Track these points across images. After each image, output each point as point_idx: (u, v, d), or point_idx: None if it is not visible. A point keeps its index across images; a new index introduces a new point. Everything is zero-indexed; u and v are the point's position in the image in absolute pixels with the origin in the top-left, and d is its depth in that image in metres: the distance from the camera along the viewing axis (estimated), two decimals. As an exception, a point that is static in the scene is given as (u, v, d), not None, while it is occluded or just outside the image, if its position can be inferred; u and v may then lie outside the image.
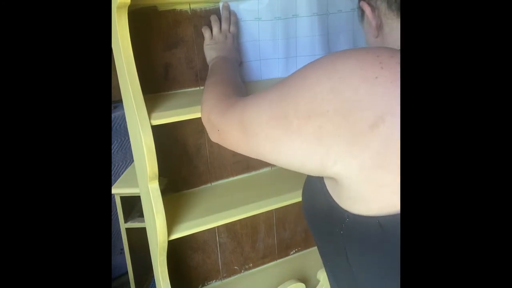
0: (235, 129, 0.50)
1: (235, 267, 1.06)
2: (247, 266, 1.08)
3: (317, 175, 0.43)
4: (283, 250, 1.12)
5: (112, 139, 1.74)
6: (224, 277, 1.05)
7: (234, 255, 1.05)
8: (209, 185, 0.97)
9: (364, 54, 0.38)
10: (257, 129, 0.45)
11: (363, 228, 0.40)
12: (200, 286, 1.03)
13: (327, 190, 0.44)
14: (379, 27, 0.49)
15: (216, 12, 0.86)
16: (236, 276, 1.06)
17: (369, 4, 0.50)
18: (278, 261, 1.12)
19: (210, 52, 0.82)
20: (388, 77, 0.35)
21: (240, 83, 0.72)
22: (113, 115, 1.73)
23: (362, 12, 0.53)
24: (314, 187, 0.48)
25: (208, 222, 0.81)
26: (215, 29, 0.83)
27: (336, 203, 0.43)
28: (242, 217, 0.85)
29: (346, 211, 0.41)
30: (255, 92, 0.49)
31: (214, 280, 1.04)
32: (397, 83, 0.35)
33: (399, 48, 0.46)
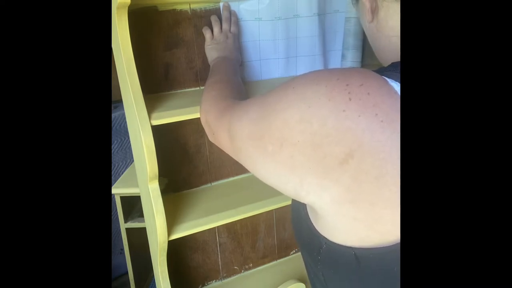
0: (226, 136, 0.50)
1: (235, 267, 1.06)
2: (247, 266, 1.08)
3: (295, 199, 0.42)
4: (283, 250, 1.12)
5: (112, 139, 1.74)
6: (224, 277, 1.05)
7: (234, 255, 1.05)
8: (209, 185, 0.97)
9: (334, 81, 0.36)
10: (239, 144, 0.45)
11: (339, 256, 0.40)
12: (200, 286, 1.03)
13: (307, 214, 0.44)
14: (374, 11, 0.46)
15: (217, 12, 0.86)
16: (236, 276, 1.06)
17: None
18: (278, 261, 1.12)
19: (212, 52, 0.82)
20: (355, 110, 0.33)
21: (240, 83, 0.72)
22: (113, 115, 1.73)
23: None
24: (299, 209, 0.47)
25: (208, 222, 0.81)
26: (216, 29, 0.83)
27: (315, 228, 0.42)
28: (242, 217, 0.85)
29: (323, 237, 0.41)
30: (246, 100, 0.48)
31: (214, 280, 1.04)
32: (365, 116, 0.33)
33: (395, 35, 0.45)
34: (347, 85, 0.35)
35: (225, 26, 0.84)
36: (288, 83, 0.39)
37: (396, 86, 0.35)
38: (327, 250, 0.41)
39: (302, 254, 0.53)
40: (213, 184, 0.97)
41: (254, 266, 1.09)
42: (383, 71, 0.40)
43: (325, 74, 0.37)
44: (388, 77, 0.36)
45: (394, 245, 0.35)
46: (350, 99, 0.34)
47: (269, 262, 1.10)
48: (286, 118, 0.37)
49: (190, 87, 0.89)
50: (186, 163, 0.93)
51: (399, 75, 0.37)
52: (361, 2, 0.48)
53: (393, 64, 0.43)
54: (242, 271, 1.07)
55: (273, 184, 0.42)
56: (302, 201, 0.40)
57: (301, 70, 0.96)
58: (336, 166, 0.34)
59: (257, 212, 0.85)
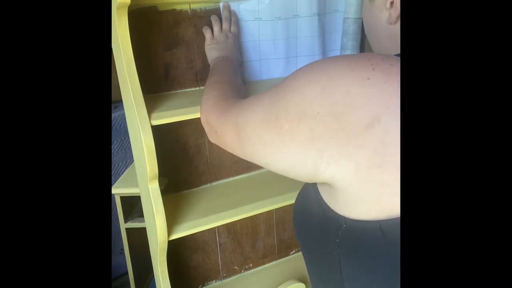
0: (231, 132, 0.50)
1: (235, 267, 1.06)
2: (247, 266, 1.08)
3: (310, 181, 0.42)
4: (283, 250, 1.12)
5: (112, 139, 1.74)
6: (224, 277, 1.05)
7: (234, 255, 1.05)
8: (209, 185, 0.97)
9: (355, 57, 0.37)
10: (250, 133, 0.45)
11: (362, 234, 0.39)
12: (200, 286, 1.03)
13: (321, 198, 0.43)
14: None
15: (216, 12, 0.86)
16: (236, 276, 1.06)
17: None
18: (278, 261, 1.12)
19: (212, 52, 0.82)
20: (380, 78, 0.35)
21: (240, 84, 0.72)
22: (113, 115, 1.73)
23: None
24: (307, 197, 0.47)
25: (208, 222, 0.81)
26: (216, 29, 0.83)
27: (331, 210, 0.41)
28: (242, 217, 0.85)
29: (342, 216, 0.40)
30: (251, 96, 0.49)
31: (214, 280, 1.04)
32: (391, 82, 0.34)
33: None
34: (369, 59, 0.36)
35: (225, 26, 0.84)
36: (304, 67, 0.40)
37: None
38: (347, 230, 0.40)
39: (306, 255, 0.51)
40: (213, 184, 0.97)
41: (254, 266, 1.09)
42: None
43: (343, 55, 0.39)
44: None
45: None
46: (373, 69, 0.35)
47: (269, 262, 1.10)
48: (305, 93, 0.38)
49: (190, 87, 0.89)
50: (186, 163, 0.93)
51: None
52: (381, 2, 0.48)
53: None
54: (242, 271, 1.07)
55: (288, 166, 0.41)
56: (319, 178, 0.39)
57: (301, 70, 0.96)
58: (361, 131, 0.35)
59: (257, 212, 0.85)
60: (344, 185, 0.38)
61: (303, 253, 0.53)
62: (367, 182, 0.36)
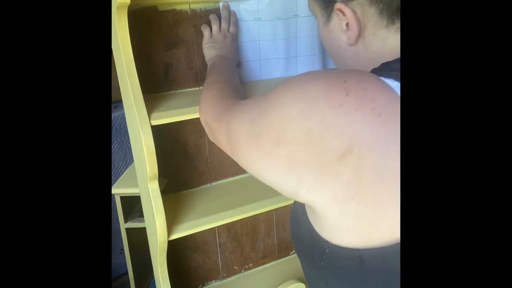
0: (224, 137, 0.50)
1: (235, 267, 1.06)
2: (247, 266, 1.08)
3: (295, 199, 0.41)
4: (283, 250, 1.12)
5: (112, 139, 1.74)
6: (224, 277, 1.05)
7: (234, 255, 1.05)
8: (209, 185, 0.97)
9: (331, 78, 0.36)
10: (237, 144, 0.45)
11: (343, 260, 0.39)
12: (200, 286, 1.03)
13: (309, 219, 0.43)
14: (360, 36, 0.45)
15: (216, 12, 0.86)
16: (236, 276, 1.06)
17: (347, 5, 0.44)
18: (278, 261, 1.12)
19: (209, 50, 0.82)
20: (353, 105, 0.33)
21: (238, 83, 0.72)
22: (113, 115, 1.73)
23: (328, 16, 0.47)
24: (299, 215, 0.46)
25: (208, 222, 0.81)
26: (215, 28, 0.83)
27: (317, 233, 0.41)
28: (242, 217, 0.85)
29: (326, 241, 0.40)
30: (243, 102, 0.48)
31: (214, 280, 1.04)
32: (363, 111, 0.33)
33: (380, 56, 0.44)
34: (344, 81, 0.35)
35: (224, 25, 0.84)
36: (286, 82, 0.39)
37: (391, 83, 0.36)
38: (330, 254, 0.40)
39: (302, 265, 0.51)
40: (213, 184, 0.97)
41: (254, 266, 1.09)
42: (376, 71, 0.40)
43: (323, 73, 0.38)
44: (384, 77, 0.36)
45: (397, 244, 0.34)
46: (347, 94, 0.34)
47: (269, 262, 1.10)
48: (283, 115, 0.37)
49: (190, 87, 0.89)
50: (186, 163, 0.93)
51: (393, 73, 0.38)
52: (337, 25, 0.47)
53: (384, 64, 0.43)
54: (242, 271, 1.07)
55: (272, 183, 0.41)
56: (302, 200, 0.39)
57: (301, 70, 0.96)
58: (334, 161, 0.34)
59: (257, 212, 0.85)
60: (324, 213, 0.38)
61: (301, 264, 0.53)
62: (343, 213, 0.36)
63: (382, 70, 0.41)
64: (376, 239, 0.35)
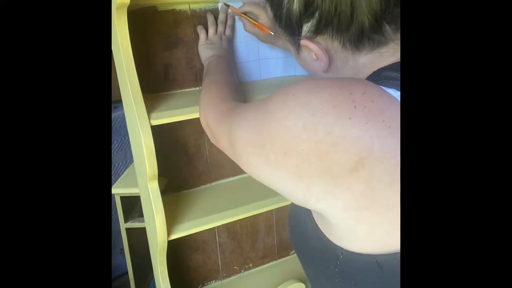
0: (226, 142, 0.49)
1: (235, 267, 1.06)
2: (247, 266, 1.08)
3: (303, 206, 0.41)
4: (283, 250, 1.12)
5: (112, 139, 1.74)
6: (224, 277, 1.05)
7: (234, 255, 1.05)
8: (209, 185, 0.97)
9: (337, 89, 0.35)
10: (240, 151, 0.44)
11: (359, 265, 0.38)
12: (200, 286, 1.03)
13: (317, 225, 0.42)
14: (330, 64, 0.46)
15: (216, 12, 0.86)
16: (236, 276, 1.06)
17: (311, 41, 0.45)
18: (278, 261, 1.12)
19: (206, 51, 0.81)
20: (361, 118, 0.33)
21: (236, 83, 0.72)
22: (113, 115, 1.73)
23: (297, 49, 0.49)
24: (302, 221, 0.45)
25: (208, 222, 0.81)
26: (211, 31, 0.83)
27: (327, 239, 0.40)
28: (242, 217, 0.85)
29: (339, 247, 0.39)
30: (244, 106, 0.47)
31: (214, 280, 1.04)
32: (372, 124, 0.33)
33: (361, 76, 0.45)
34: (350, 93, 0.35)
35: (220, 28, 0.84)
36: (287, 89, 0.38)
37: (393, 93, 0.36)
38: (345, 260, 0.39)
39: (306, 269, 0.51)
40: (212, 184, 0.97)
41: (254, 266, 1.09)
42: (373, 81, 0.40)
43: (326, 82, 0.37)
44: (384, 86, 0.36)
45: None
46: (355, 107, 0.34)
47: (269, 262, 1.10)
48: (288, 125, 0.36)
49: (190, 87, 0.89)
50: (186, 163, 0.93)
51: (392, 81, 0.38)
52: (308, 56, 0.48)
53: (375, 73, 0.43)
54: (242, 271, 1.07)
55: (279, 190, 0.41)
56: (312, 207, 0.39)
57: (300, 70, 0.96)
58: (345, 174, 0.34)
59: (257, 212, 0.85)
60: (336, 220, 0.37)
61: (304, 269, 0.52)
62: (357, 221, 0.35)
63: (378, 79, 0.41)
64: (392, 245, 0.35)
